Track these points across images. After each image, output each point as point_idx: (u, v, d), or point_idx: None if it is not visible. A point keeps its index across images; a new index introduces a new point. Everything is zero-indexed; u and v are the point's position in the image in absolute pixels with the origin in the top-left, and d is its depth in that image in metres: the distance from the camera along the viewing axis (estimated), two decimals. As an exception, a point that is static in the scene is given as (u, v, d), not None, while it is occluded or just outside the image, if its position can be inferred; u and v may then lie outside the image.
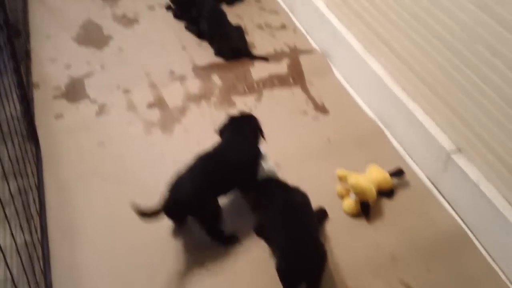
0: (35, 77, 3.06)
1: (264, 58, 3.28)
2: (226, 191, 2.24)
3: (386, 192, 2.41)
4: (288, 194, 2.18)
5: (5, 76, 2.04)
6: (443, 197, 2.44)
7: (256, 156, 2.31)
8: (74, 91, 2.98)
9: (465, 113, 2.24)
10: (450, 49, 2.25)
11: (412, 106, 2.57)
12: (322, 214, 2.31)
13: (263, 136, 2.38)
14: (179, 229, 2.26)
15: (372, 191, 2.29)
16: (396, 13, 2.57)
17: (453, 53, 2.24)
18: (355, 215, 2.33)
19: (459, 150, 2.32)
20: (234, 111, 2.88)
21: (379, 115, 2.85)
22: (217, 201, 2.15)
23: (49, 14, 3.63)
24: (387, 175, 2.40)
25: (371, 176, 2.36)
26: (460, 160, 2.29)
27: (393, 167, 2.49)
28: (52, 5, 3.73)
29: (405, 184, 2.49)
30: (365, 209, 2.31)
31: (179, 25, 3.60)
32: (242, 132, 2.33)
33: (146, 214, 1.99)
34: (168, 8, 3.73)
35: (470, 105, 2.19)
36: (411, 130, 2.58)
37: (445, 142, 2.37)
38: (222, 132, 2.36)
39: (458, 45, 2.20)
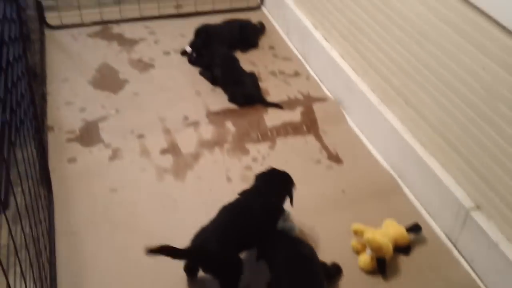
0: (50, 120, 3.08)
1: (278, 106, 3.29)
2: (250, 245, 2.20)
3: (403, 248, 2.36)
4: (295, 246, 2.14)
5: (25, 121, 2.04)
6: (461, 255, 2.38)
7: (277, 210, 2.29)
8: (88, 135, 2.99)
9: (484, 170, 2.21)
10: (468, 104, 2.24)
11: (429, 159, 2.54)
12: (336, 270, 2.26)
13: (291, 198, 2.35)
14: (191, 280, 2.22)
15: (388, 247, 2.24)
16: (413, 66, 2.58)
17: (471, 108, 2.23)
18: (370, 271, 2.28)
19: (478, 207, 2.28)
20: (247, 159, 2.87)
21: (394, 167, 2.83)
22: (240, 257, 2.11)
23: (66, 57, 3.67)
24: (404, 231, 2.36)
25: (388, 232, 2.32)
26: (479, 218, 2.24)
27: (409, 221, 2.45)
28: (69, 48, 3.78)
29: (422, 240, 2.44)
30: (381, 266, 2.26)
31: (194, 71, 3.63)
32: (273, 186, 2.33)
33: (163, 250, 1.94)
34: (183, 53, 3.77)
35: (489, 162, 2.16)
36: (428, 184, 2.55)
37: (463, 198, 2.33)
38: (257, 179, 2.38)
39: (477, 101, 2.18)
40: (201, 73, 3.59)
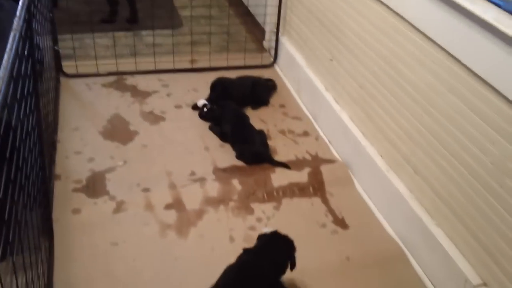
0: (58, 168, 3.09)
1: (285, 165, 3.28)
2: None
3: None
4: None
5: (31, 171, 2.04)
6: (467, 331, 2.31)
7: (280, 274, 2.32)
8: (94, 186, 2.99)
9: (492, 246, 2.16)
10: (475, 177, 2.23)
11: (436, 230, 2.50)
12: None
13: (292, 263, 2.33)
14: None
15: None
16: (421, 135, 2.58)
17: (479, 181, 2.21)
18: None
19: (485, 284, 2.22)
20: (252, 219, 2.85)
21: (400, 235, 2.78)
22: None
23: (79, 106, 3.73)
24: None
25: None
26: (486, 295, 2.19)
27: (414, 294, 2.39)
28: (83, 97, 3.84)
29: (426, 314, 2.38)
30: None
31: (204, 125, 3.66)
32: (275, 249, 2.34)
33: None
34: (195, 107, 3.81)
35: (498, 239, 2.12)
36: (434, 255, 2.50)
37: (470, 273, 2.27)
38: (260, 239, 2.40)
39: (485, 175, 2.17)
40: (211, 128, 3.62)
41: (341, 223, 2.88)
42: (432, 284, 2.53)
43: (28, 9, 1.97)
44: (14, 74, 1.51)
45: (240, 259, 2.28)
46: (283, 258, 2.33)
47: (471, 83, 2.20)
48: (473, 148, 2.23)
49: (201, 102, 3.82)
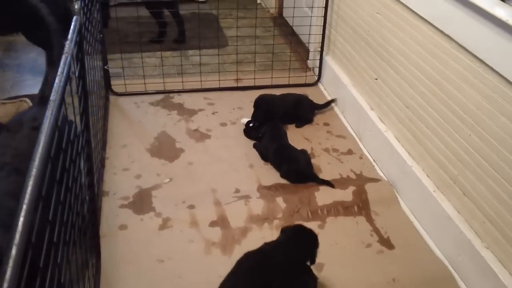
0: (106, 185, 3.18)
1: (330, 184, 3.27)
2: None
3: None
4: None
5: (80, 190, 2.11)
6: None
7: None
8: (141, 202, 3.05)
9: (546, 271, 2.09)
10: (528, 199, 2.16)
11: (486, 253, 2.43)
12: None
13: (313, 259, 2.38)
14: None
15: None
16: (470, 155, 2.52)
17: (532, 204, 2.14)
18: None
19: (538, 311, 2.15)
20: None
21: (448, 257, 2.72)
22: None
23: (127, 123, 3.83)
24: None
25: None
26: (539, 322, 2.10)
27: (462, 318, 2.32)
28: (131, 115, 3.94)
29: None
30: None
31: (249, 143, 3.69)
32: (298, 243, 2.37)
33: None
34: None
35: (551, 264, 2.05)
36: (484, 280, 2.42)
37: (522, 299, 2.20)
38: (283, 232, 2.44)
39: (538, 197, 2.10)
40: (255, 146, 3.64)
41: (386, 243, 2.84)
42: (482, 309, 2.45)
43: (79, 32, 2.05)
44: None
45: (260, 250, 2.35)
46: (303, 253, 2.36)
47: (522, 103, 2.15)
48: (525, 169, 2.17)
49: (244, 120, 3.86)
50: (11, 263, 0.96)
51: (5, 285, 0.93)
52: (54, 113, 1.36)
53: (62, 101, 1.46)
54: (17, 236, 1.00)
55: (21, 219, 1.02)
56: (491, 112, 2.35)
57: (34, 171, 1.14)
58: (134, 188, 3.17)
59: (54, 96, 1.41)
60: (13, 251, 0.98)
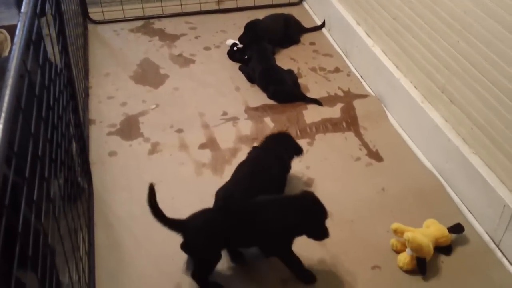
0: (92, 114, 3.13)
1: (318, 102, 3.24)
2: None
3: (444, 248, 2.30)
4: None
5: (64, 115, 2.07)
6: (505, 256, 2.29)
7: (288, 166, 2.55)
8: (128, 129, 3.02)
9: (532, 170, 2.12)
10: (516, 102, 2.16)
11: (473, 158, 2.46)
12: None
13: (299, 150, 2.59)
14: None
15: (429, 247, 2.18)
16: (459, 63, 2.49)
17: (519, 106, 2.14)
18: (410, 271, 2.22)
19: (525, 208, 2.20)
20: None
21: (437, 165, 2.75)
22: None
23: (108, 52, 3.73)
24: (446, 231, 2.29)
25: (429, 231, 2.26)
26: (526, 220, 2.16)
27: (451, 222, 2.37)
28: (112, 43, 3.84)
29: (464, 241, 2.37)
30: (422, 266, 2.20)
31: (234, 66, 3.63)
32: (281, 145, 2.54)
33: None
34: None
35: (538, 162, 2.07)
36: (471, 184, 2.46)
37: (509, 199, 2.24)
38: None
39: (525, 98, 2.10)
40: (241, 69, 3.58)
41: (375, 156, 2.86)
42: (470, 212, 2.51)
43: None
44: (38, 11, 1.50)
45: (251, 155, 2.54)
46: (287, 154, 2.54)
47: (509, 4, 2.10)
48: (509, 69, 2.14)
49: (230, 41, 3.77)
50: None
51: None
52: (27, 25, 1.30)
53: (34, 14, 1.40)
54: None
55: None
56: (479, 16, 2.30)
57: (10, 81, 1.10)
58: (121, 115, 3.14)
59: (25, 8, 1.35)
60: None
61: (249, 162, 2.51)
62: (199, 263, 2.15)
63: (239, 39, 3.72)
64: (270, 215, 2.07)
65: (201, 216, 2.13)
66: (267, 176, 2.41)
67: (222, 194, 2.32)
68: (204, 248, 2.10)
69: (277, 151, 2.51)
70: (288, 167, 2.56)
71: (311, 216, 2.06)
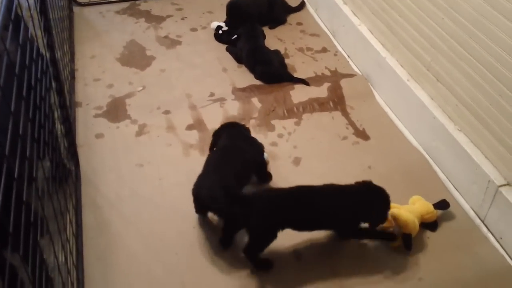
0: (78, 96, 3.11)
1: (305, 82, 3.24)
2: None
3: (430, 225, 2.32)
4: None
5: (47, 96, 2.06)
6: (490, 231, 2.33)
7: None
8: (115, 111, 3.01)
9: (516, 146, 2.14)
10: (501, 79, 2.17)
11: (459, 135, 2.48)
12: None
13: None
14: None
15: (414, 223, 2.21)
16: (444, 41, 2.50)
17: (503, 83, 2.15)
18: (396, 247, 2.25)
19: (509, 184, 2.22)
20: (273, 135, 2.86)
21: (423, 143, 2.77)
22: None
23: (94, 35, 3.70)
24: (431, 207, 2.31)
25: (414, 208, 2.28)
26: (509, 194, 2.18)
27: (437, 198, 2.40)
28: (98, 26, 3.80)
29: (449, 217, 2.40)
30: (407, 242, 2.23)
31: (220, 47, 3.61)
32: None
33: None
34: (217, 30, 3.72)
35: (521, 138, 2.09)
36: (457, 161, 2.49)
37: (494, 175, 2.27)
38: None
39: (510, 75, 2.11)
40: (228, 49, 3.57)
41: (362, 134, 2.88)
42: (455, 189, 2.53)
43: None
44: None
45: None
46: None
47: (494, -21, 2.10)
48: (497, 48, 2.16)
49: (214, 24, 3.75)
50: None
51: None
52: (5, 3, 1.28)
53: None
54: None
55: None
56: (464, -8, 2.30)
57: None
58: (107, 97, 3.12)
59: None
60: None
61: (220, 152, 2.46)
62: (256, 240, 2.15)
63: (226, 23, 3.71)
64: (343, 202, 2.14)
65: (271, 195, 2.16)
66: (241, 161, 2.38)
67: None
68: (269, 226, 2.11)
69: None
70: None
71: (380, 205, 2.15)
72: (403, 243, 2.24)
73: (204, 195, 2.21)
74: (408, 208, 2.27)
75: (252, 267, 2.16)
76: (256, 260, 2.16)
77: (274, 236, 2.11)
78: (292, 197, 2.13)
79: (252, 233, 2.12)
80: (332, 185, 2.20)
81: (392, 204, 2.27)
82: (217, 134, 2.53)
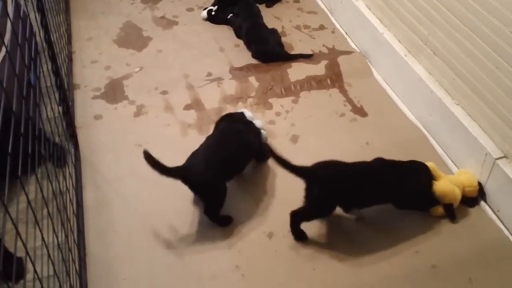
0: (76, 78, 3.11)
1: (305, 56, 3.24)
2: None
3: (469, 200, 2.34)
4: None
5: (44, 78, 2.06)
6: (488, 204, 2.34)
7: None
8: (113, 92, 3.01)
9: (512, 118, 2.14)
10: (497, 51, 2.16)
11: (456, 109, 2.48)
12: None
13: None
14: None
15: (454, 193, 2.25)
16: (441, 14, 2.49)
17: (501, 55, 2.15)
18: (439, 214, 2.29)
19: (506, 156, 2.23)
20: (271, 113, 2.86)
21: (420, 119, 2.77)
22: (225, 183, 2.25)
23: (90, 17, 3.68)
24: (475, 181, 2.34)
25: (458, 179, 2.33)
26: (506, 167, 2.19)
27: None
28: (94, 8, 3.78)
29: (447, 190, 2.41)
30: (449, 211, 2.27)
31: (217, 27, 3.60)
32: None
33: (155, 165, 2.10)
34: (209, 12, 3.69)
35: (517, 109, 2.10)
36: (454, 134, 2.49)
37: (491, 147, 2.28)
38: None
39: (507, 48, 2.10)
40: (231, 20, 3.54)
41: (360, 111, 2.88)
42: (453, 162, 2.54)
43: None
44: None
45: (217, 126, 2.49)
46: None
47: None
48: (494, 20, 2.15)
49: (204, 14, 3.68)
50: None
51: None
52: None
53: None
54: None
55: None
56: (459, -36, 2.28)
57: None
58: (105, 79, 3.12)
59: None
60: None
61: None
62: (311, 213, 2.18)
63: (213, 4, 3.69)
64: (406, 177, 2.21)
65: (335, 168, 2.17)
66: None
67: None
68: (331, 200, 2.14)
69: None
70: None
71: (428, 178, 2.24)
72: (446, 213, 2.27)
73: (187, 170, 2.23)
74: (450, 178, 2.31)
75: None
76: (298, 231, 2.21)
77: (332, 210, 2.16)
78: (359, 174, 2.16)
79: (310, 204, 2.13)
80: (388, 160, 2.27)
81: (439, 174, 2.29)
82: (218, 123, 2.53)
